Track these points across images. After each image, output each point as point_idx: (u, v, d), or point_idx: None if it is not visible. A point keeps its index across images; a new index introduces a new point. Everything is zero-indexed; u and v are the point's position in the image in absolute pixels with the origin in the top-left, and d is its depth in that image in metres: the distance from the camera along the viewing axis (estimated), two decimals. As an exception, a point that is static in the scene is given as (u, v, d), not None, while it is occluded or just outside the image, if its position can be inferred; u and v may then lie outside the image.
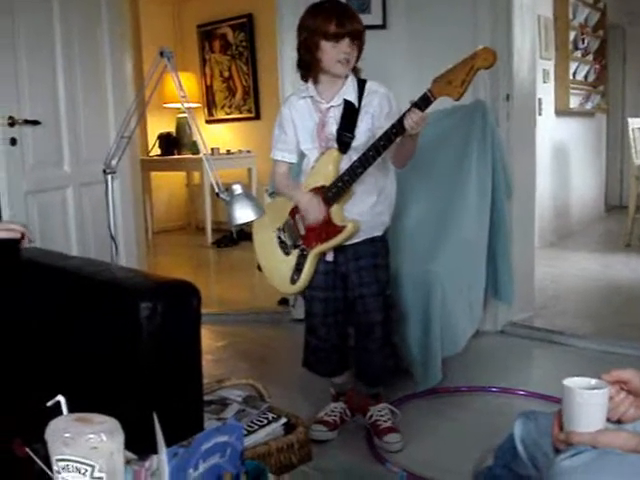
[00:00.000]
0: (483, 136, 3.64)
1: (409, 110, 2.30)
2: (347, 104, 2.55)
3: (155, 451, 1.11)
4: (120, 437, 1.06)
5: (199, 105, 7.95)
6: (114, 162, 2.59)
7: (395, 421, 2.78)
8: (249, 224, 2.47)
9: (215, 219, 7.27)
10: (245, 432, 1.95)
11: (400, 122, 2.32)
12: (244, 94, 7.78)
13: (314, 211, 2.57)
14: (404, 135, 2.35)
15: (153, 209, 7.80)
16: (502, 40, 3.80)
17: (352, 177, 2.49)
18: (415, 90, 2.35)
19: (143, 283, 1.66)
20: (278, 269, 2.76)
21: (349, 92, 2.57)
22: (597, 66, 7.87)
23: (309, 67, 2.56)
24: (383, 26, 3.91)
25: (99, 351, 1.62)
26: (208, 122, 8.10)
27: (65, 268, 1.86)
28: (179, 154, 7.55)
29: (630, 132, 6.49)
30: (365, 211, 2.61)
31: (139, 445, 1.19)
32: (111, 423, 1.06)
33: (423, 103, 2.29)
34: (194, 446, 1.07)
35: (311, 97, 2.60)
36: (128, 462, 1.12)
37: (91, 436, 1.02)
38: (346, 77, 2.57)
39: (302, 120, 2.63)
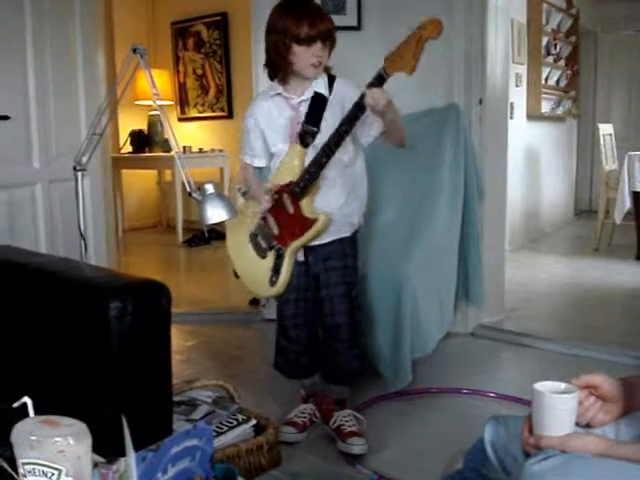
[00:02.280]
0: (456, 139, 3.65)
1: (365, 91, 2.31)
2: (317, 96, 2.54)
3: (123, 454, 1.09)
4: (87, 440, 1.04)
5: (171, 103, 7.90)
6: (84, 159, 2.57)
7: (360, 427, 2.75)
8: (220, 224, 2.45)
9: (186, 218, 7.23)
10: (214, 433, 1.94)
11: (358, 104, 2.34)
12: (217, 92, 7.74)
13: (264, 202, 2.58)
14: (366, 115, 2.37)
15: (124, 207, 7.73)
16: (476, 43, 3.83)
17: (318, 168, 2.47)
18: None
19: (113, 282, 1.64)
20: (256, 274, 2.73)
21: (320, 86, 2.55)
22: (569, 71, 7.95)
23: (279, 69, 2.53)
24: (358, 27, 3.91)
25: (67, 351, 1.60)
26: (180, 120, 8.05)
27: (33, 266, 1.83)
28: (150, 152, 7.49)
29: (600, 138, 6.56)
30: (333, 212, 2.60)
31: (107, 447, 1.18)
32: (78, 426, 1.04)
33: (378, 82, 2.30)
34: (163, 450, 1.06)
35: (278, 94, 2.58)
36: (96, 465, 1.10)
37: (58, 439, 1.01)
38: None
39: (271, 122, 2.60)
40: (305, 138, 2.53)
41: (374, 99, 2.30)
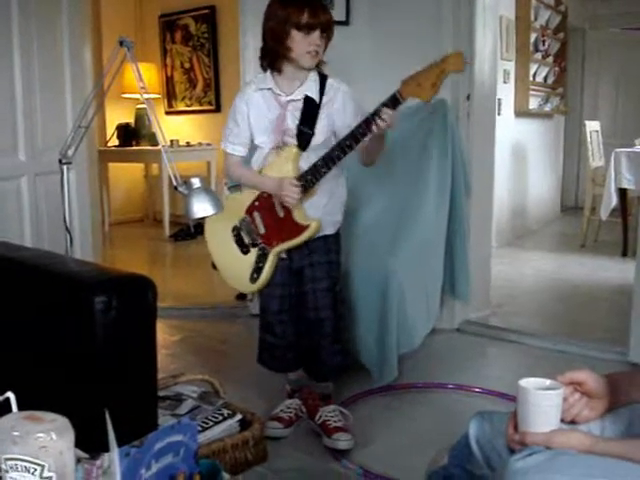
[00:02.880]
0: (443, 135, 3.66)
1: (378, 111, 2.30)
2: (308, 100, 2.54)
3: (107, 449, 1.09)
4: (70, 436, 1.04)
5: (159, 96, 7.87)
6: (70, 152, 2.55)
7: (346, 422, 2.75)
8: (206, 218, 2.44)
9: (173, 212, 7.21)
10: (200, 428, 1.94)
11: (367, 122, 2.32)
12: (205, 86, 7.72)
13: (291, 192, 2.51)
14: (371, 135, 2.35)
15: (110, 200, 7.70)
16: (464, 39, 3.82)
17: (316, 176, 2.48)
18: (378, 87, 2.35)
19: (98, 277, 1.63)
20: (236, 268, 2.73)
21: (310, 88, 2.54)
22: (557, 68, 7.96)
23: (276, 56, 2.52)
24: (346, 22, 3.90)
25: (51, 346, 1.58)
26: (168, 113, 8.02)
27: (18, 260, 1.82)
28: (138, 145, 7.45)
29: (587, 135, 6.58)
30: (317, 211, 2.60)
31: (92, 442, 1.17)
32: (61, 421, 1.04)
33: (392, 104, 2.29)
34: (146, 446, 1.05)
35: (269, 89, 2.57)
36: (79, 461, 1.10)
37: (40, 435, 1.00)
38: (308, 71, 2.56)
39: (259, 113, 2.59)
40: (302, 140, 2.53)
41: (385, 121, 2.29)
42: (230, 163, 2.71)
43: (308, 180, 2.49)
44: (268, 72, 2.58)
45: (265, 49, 2.57)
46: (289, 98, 2.55)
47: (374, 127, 2.31)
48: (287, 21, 2.43)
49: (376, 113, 2.30)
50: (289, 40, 2.45)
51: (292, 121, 2.55)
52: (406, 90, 2.27)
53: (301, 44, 2.45)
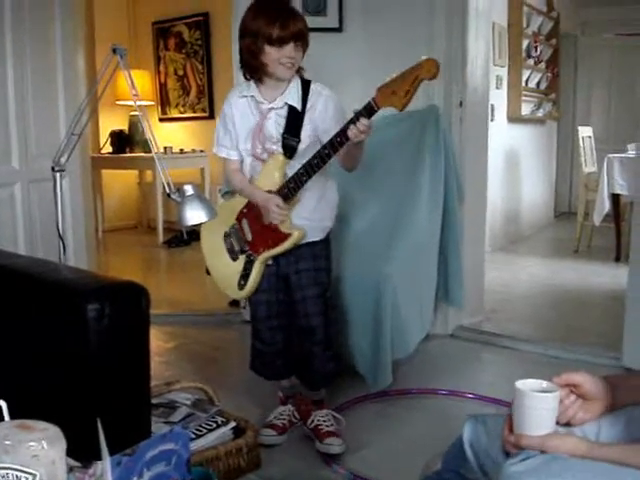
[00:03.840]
0: (436, 141, 3.66)
1: (353, 119, 2.28)
2: (291, 108, 2.53)
3: (99, 457, 1.08)
4: (62, 445, 1.03)
5: (152, 103, 7.87)
6: (63, 159, 2.55)
7: (338, 427, 2.75)
8: (200, 225, 2.45)
9: (167, 218, 7.20)
10: (193, 436, 1.94)
11: (344, 132, 2.30)
12: (198, 93, 7.72)
13: (277, 215, 2.52)
14: (348, 143, 2.34)
15: (104, 207, 7.69)
16: (457, 46, 3.83)
17: (297, 184, 2.47)
18: (371, 93, 2.34)
19: (91, 284, 1.63)
20: (226, 274, 2.74)
21: (292, 95, 2.53)
22: (549, 74, 7.99)
23: (254, 71, 2.53)
24: (339, 29, 3.91)
25: (44, 353, 1.58)
26: (161, 120, 8.03)
27: (11, 267, 1.81)
28: (131, 152, 7.46)
29: (580, 140, 6.59)
30: (305, 216, 2.60)
31: (84, 450, 1.17)
32: (53, 430, 1.03)
33: (367, 113, 2.26)
34: (138, 454, 1.05)
35: (252, 96, 2.57)
36: (71, 469, 1.09)
37: (32, 444, 1.00)
38: (290, 79, 2.55)
39: (242, 119, 2.59)
40: (288, 149, 2.52)
41: (360, 132, 2.26)
42: (229, 170, 2.70)
43: (290, 188, 2.49)
44: (251, 81, 2.58)
45: (243, 64, 2.57)
46: (270, 106, 2.54)
47: (351, 136, 2.28)
48: (259, 36, 2.41)
49: (352, 122, 2.28)
50: (263, 56, 2.44)
51: (274, 128, 2.54)
52: (381, 99, 2.23)
53: (275, 58, 2.43)
